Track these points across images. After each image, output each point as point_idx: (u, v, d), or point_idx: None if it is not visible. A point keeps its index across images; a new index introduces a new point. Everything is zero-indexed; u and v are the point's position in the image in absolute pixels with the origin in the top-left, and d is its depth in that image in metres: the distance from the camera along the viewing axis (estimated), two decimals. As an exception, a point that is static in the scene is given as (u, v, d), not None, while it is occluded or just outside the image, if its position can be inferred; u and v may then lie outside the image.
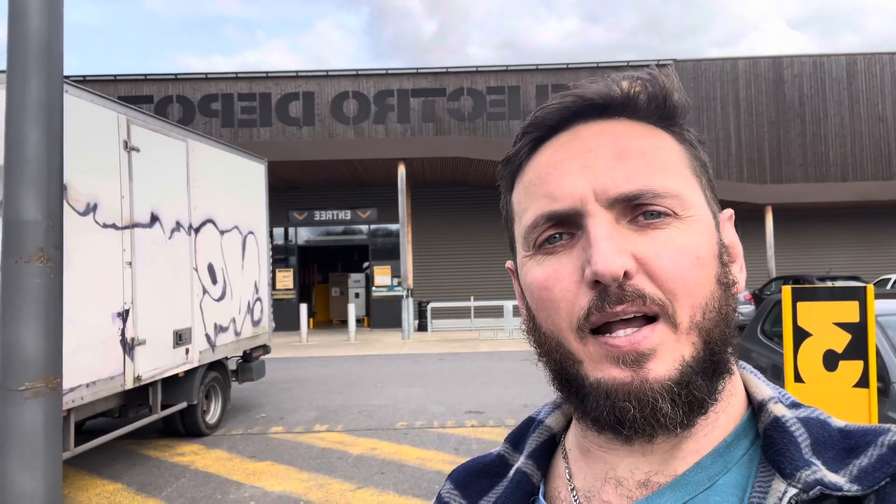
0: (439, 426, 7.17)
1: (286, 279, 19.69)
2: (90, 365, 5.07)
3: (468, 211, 19.68)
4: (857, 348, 2.53)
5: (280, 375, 10.62)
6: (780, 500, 0.46)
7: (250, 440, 6.89)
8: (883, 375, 3.59)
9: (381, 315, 19.31)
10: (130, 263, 5.62)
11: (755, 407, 0.54)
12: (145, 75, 19.75)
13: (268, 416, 7.89)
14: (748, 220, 18.41)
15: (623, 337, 0.49)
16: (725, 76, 20.31)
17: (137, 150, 5.81)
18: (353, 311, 16.47)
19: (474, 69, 19.94)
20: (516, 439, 0.65)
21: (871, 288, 2.60)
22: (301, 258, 20.52)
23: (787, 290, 2.54)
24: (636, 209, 0.51)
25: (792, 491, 0.46)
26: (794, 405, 0.53)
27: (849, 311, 2.55)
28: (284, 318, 17.93)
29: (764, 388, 0.55)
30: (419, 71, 19.90)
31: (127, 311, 5.54)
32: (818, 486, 0.46)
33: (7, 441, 1.86)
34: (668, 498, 0.51)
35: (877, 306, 3.69)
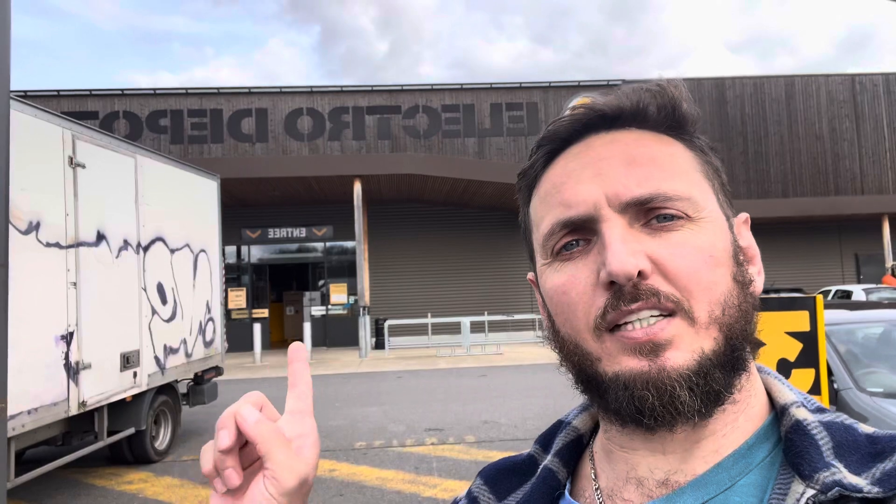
0: (399, 445, 7.08)
1: (239, 298, 19.23)
2: (32, 390, 4.82)
3: (425, 228, 19.68)
4: (808, 357, 2.61)
5: (233, 398, 10.20)
6: (798, 500, 0.46)
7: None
8: (831, 383, 3.72)
9: (338, 333, 19.04)
10: (75, 284, 5.39)
11: (778, 411, 0.54)
12: (90, 90, 19.17)
13: (221, 440, 7.64)
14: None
15: (639, 329, 0.50)
16: (685, 85, 20.98)
17: (83, 167, 5.61)
18: (308, 330, 16.19)
19: (429, 87, 20.07)
20: (545, 440, 0.66)
21: (820, 298, 2.68)
22: (254, 277, 20.11)
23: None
24: (649, 213, 0.52)
25: (810, 492, 0.46)
26: (819, 410, 0.53)
27: (800, 320, 2.63)
28: (237, 339, 17.50)
29: (787, 393, 0.55)
30: (374, 88, 19.91)
31: (71, 334, 5.30)
32: (837, 488, 0.46)
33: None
34: (688, 497, 0.51)
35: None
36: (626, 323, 0.50)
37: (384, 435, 7.55)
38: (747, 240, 0.58)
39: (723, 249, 0.53)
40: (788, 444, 0.50)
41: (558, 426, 0.66)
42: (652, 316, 0.50)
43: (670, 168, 0.54)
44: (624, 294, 0.49)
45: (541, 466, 0.62)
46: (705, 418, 0.50)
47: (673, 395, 0.48)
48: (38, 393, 4.88)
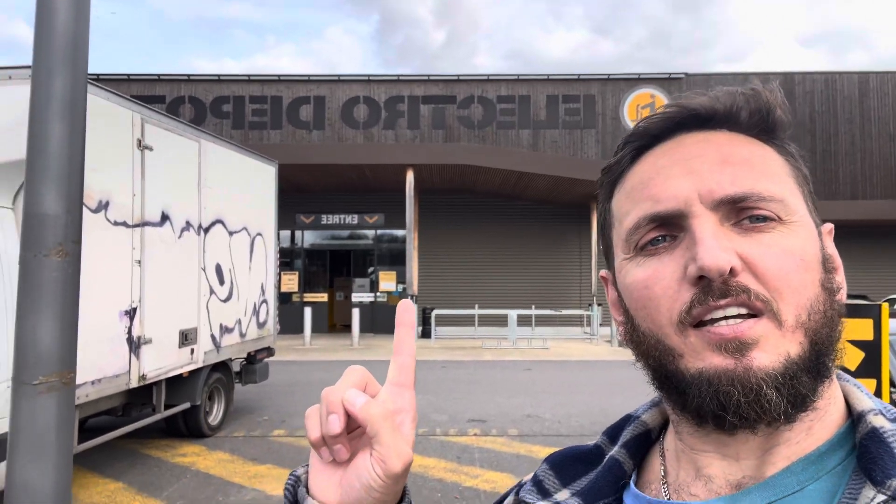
0: (441, 434, 7.14)
1: (291, 282, 19.70)
2: (96, 362, 5.07)
3: (475, 219, 19.68)
4: (870, 366, 2.51)
5: (283, 378, 10.61)
6: None
7: (252, 442, 6.88)
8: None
9: (385, 321, 19.29)
10: (139, 262, 5.63)
11: (854, 418, 0.53)
12: (158, 75, 19.88)
13: (270, 419, 7.87)
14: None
15: (726, 325, 0.49)
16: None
17: (150, 149, 5.83)
18: (356, 316, 16.46)
19: (485, 77, 19.99)
20: (613, 433, 0.66)
21: (885, 306, 2.57)
22: (307, 261, 20.55)
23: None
24: (741, 213, 0.52)
25: (880, 497, 0.46)
26: None
27: (863, 328, 2.53)
28: (288, 321, 17.94)
29: (865, 400, 0.54)
30: (430, 78, 19.96)
31: (134, 310, 5.55)
32: None
33: (19, 435, 1.85)
34: (755, 496, 0.51)
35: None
36: (711, 320, 0.50)
37: (427, 423, 7.63)
38: (831, 249, 0.57)
39: (813, 254, 0.52)
40: (862, 450, 0.49)
41: (627, 420, 0.66)
42: (739, 314, 0.49)
43: (764, 169, 0.54)
44: (713, 290, 0.49)
45: (607, 456, 0.63)
46: (787, 423, 0.50)
47: (759, 393, 0.48)
48: (101, 365, 5.13)
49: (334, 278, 21.77)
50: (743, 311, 0.49)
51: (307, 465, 0.57)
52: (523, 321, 17.66)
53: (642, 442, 0.63)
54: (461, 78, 19.91)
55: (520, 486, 0.69)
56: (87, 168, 4.86)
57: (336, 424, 0.52)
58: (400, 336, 0.58)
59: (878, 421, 0.51)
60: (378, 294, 19.71)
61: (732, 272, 0.49)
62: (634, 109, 19.80)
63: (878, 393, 2.55)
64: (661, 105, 0.59)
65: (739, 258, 0.50)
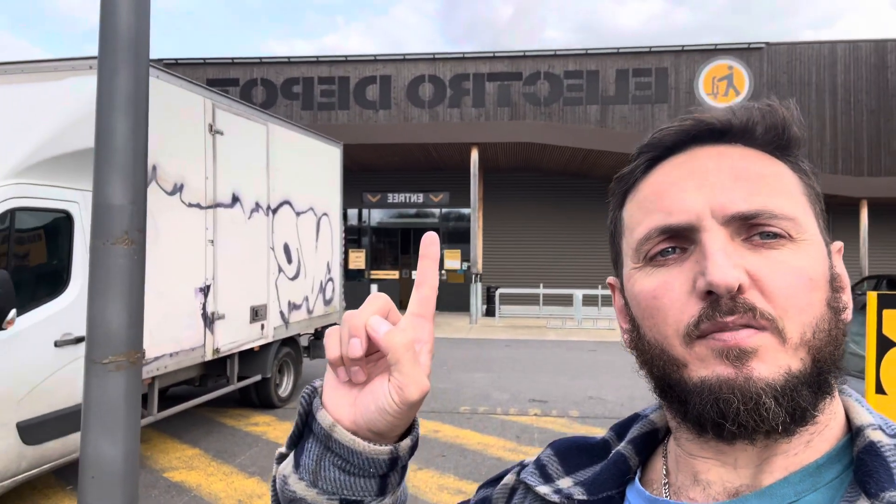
0: (502, 413, 7.20)
1: (358, 260, 20.15)
2: (174, 336, 5.38)
3: (540, 197, 19.47)
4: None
5: (350, 353, 10.91)
6: None
7: (319, 415, 7.14)
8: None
9: (450, 298, 19.47)
10: (213, 241, 5.90)
11: (853, 432, 0.53)
12: (232, 59, 20.52)
13: (336, 393, 8.14)
14: (841, 214, 17.34)
15: (728, 333, 0.50)
16: (822, 60, 19.06)
17: (221, 133, 6.07)
18: (422, 293, 16.65)
19: (552, 53, 19.58)
20: (621, 430, 0.68)
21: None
22: (373, 239, 20.94)
23: (871, 297, 2.39)
24: (752, 229, 0.52)
25: None
26: None
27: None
28: (356, 298, 18.35)
29: (865, 415, 0.54)
30: (495, 55, 19.73)
31: (208, 287, 5.83)
32: None
33: (91, 409, 2.03)
34: (752, 503, 0.52)
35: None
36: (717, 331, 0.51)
37: (489, 401, 7.71)
38: (840, 269, 0.57)
39: (821, 273, 0.52)
40: (859, 464, 0.50)
41: (635, 419, 0.67)
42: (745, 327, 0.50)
43: (777, 186, 0.54)
44: (720, 306, 0.50)
45: (613, 450, 0.64)
46: (786, 435, 0.50)
47: (758, 402, 0.48)
48: (179, 338, 5.44)
49: (400, 256, 22.11)
50: (748, 327, 0.50)
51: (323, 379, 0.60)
52: (589, 301, 17.43)
53: (649, 440, 0.64)
54: (527, 54, 19.58)
55: (521, 465, 0.70)
56: (163, 153, 5.14)
57: (358, 348, 0.54)
58: (423, 268, 0.59)
59: (876, 435, 0.51)
60: (443, 272, 19.90)
61: (740, 289, 0.49)
62: (710, 82, 18.94)
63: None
64: (677, 117, 0.59)
65: (748, 275, 0.50)
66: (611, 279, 0.65)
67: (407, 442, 0.58)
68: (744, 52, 18.96)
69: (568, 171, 19.03)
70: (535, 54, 19.57)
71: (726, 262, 0.49)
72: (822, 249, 0.54)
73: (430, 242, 0.59)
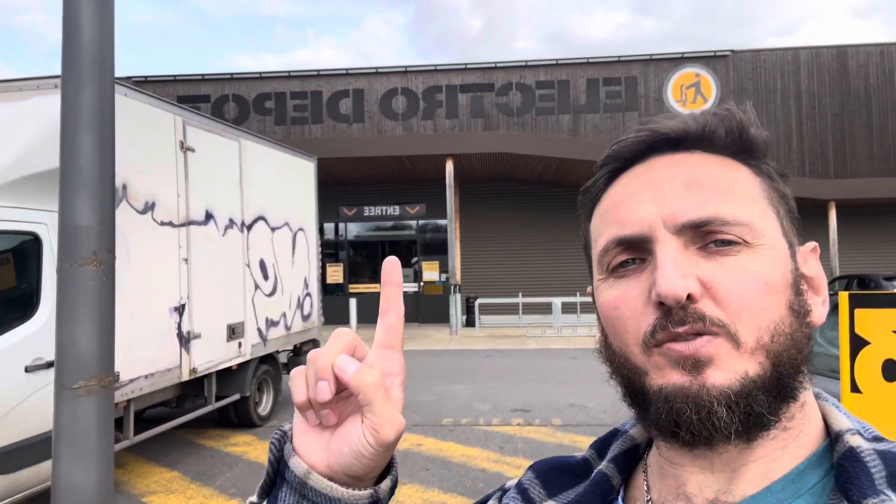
0: (485, 423, 7.18)
1: (336, 274, 20.02)
2: (149, 357, 5.27)
3: (517, 206, 19.57)
4: (920, 357, 2.40)
5: (329, 369, 10.80)
6: None
7: (300, 432, 7.04)
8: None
9: (429, 310, 19.42)
10: (186, 260, 5.81)
11: (832, 438, 0.53)
12: (203, 75, 20.36)
13: (317, 410, 8.04)
14: (809, 216, 17.71)
15: (683, 343, 0.50)
16: (786, 67, 19.52)
17: (193, 150, 6.00)
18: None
19: (523, 63, 19.78)
20: (601, 447, 0.67)
21: (936, 294, 2.46)
22: (351, 253, 20.84)
23: (843, 297, 2.43)
24: (706, 237, 0.52)
25: None
26: (877, 439, 0.52)
27: (911, 317, 2.42)
28: (334, 313, 18.25)
29: (843, 420, 0.54)
30: (467, 66, 19.87)
31: (183, 306, 5.74)
32: None
33: (62, 436, 1.96)
34: None
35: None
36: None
37: (471, 413, 7.68)
38: (814, 270, 0.57)
39: (780, 277, 0.52)
40: (840, 470, 0.50)
41: (615, 434, 0.67)
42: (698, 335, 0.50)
43: (731, 192, 0.53)
44: (672, 316, 0.50)
45: (595, 470, 0.63)
46: (746, 440, 0.50)
47: (710, 411, 0.48)
48: (154, 359, 5.33)
49: (378, 268, 22.00)
50: (702, 340, 0.50)
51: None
52: (568, 308, 17.52)
53: (630, 457, 0.63)
54: (499, 65, 19.75)
55: (503, 490, 0.69)
56: (133, 171, 5.06)
57: (326, 391, 0.51)
58: (387, 295, 0.57)
59: (855, 441, 0.51)
60: (422, 284, 19.85)
61: (691, 298, 0.50)
62: (679, 90, 19.28)
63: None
64: (634, 128, 0.59)
65: (700, 283, 0.50)
66: (589, 288, 0.65)
67: (387, 483, 0.56)
68: (710, 60, 19.34)
69: (543, 181, 19.17)
70: (506, 65, 19.75)
71: (675, 273, 0.50)
72: (783, 252, 0.54)
73: (391, 268, 0.57)
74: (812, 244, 0.59)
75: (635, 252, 0.55)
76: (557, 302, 16.36)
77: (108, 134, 2.22)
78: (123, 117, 4.77)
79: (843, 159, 19.35)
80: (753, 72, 19.48)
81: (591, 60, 19.64)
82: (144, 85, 19.07)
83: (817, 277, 0.57)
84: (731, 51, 19.48)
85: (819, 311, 0.55)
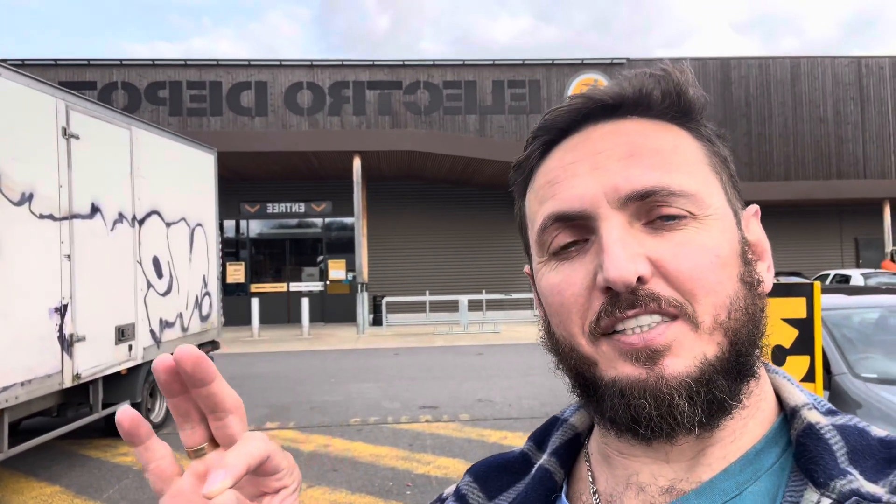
0: (393, 422, 7.11)
1: (238, 273, 19.25)
2: (25, 362, 4.82)
3: (424, 205, 19.61)
4: (803, 344, 2.58)
5: (230, 372, 10.36)
6: None
7: (198, 439, 6.68)
8: (826, 368, 3.70)
9: (336, 309, 19.09)
10: (69, 256, 5.36)
11: (787, 413, 0.51)
12: (88, 60, 18.95)
13: (217, 414, 7.67)
14: (697, 216, 18.89)
15: (636, 335, 0.47)
16: (691, 69, 20.74)
17: (77, 138, 5.54)
18: (306, 305, 16.22)
19: (431, 63, 19.85)
20: (540, 438, 0.63)
21: (817, 285, 2.65)
22: (253, 251, 20.11)
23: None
24: (651, 212, 0.49)
25: (826, 501, 0.44)
26: (831, 412, 0.50)
27: (796, 307, 2.60)
28: (236, 313, 17.54)
29: (797, 394, 0.52)
30: (375, 63, 19.69)
31: (65, 306, 5.29)
32: (854, 497, 0.43)
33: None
34: None
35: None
36: (624, 329, 0.47)
37: (379, 411, 7.59)
38: (756, 234, 0.54)
39: (730, 248, 0.49)
40: (800, 448, 0.47)
41: (554, 423, 0.63)
42: (654, 322, 0.47)
43: (674, 160, 0.50)
44: (620, 300, 0.47)
45: (536, 465, 0.59)
46: (708, 429, 0.47)
47: (671, 404, 0.45)
48: (31, 365, 4.88)
49: (282, 268, 21.39)
50: (657, 318, 0.47)
51: None
52: (474, 306, 17.76)
53: (572, 448, 0.60)
54: (407, 63, 19.71)
55: (440, 500, 0.64)
56: (7, 158, 4.60)
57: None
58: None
59: (812, 416, 0.49)
60: (328, 282, 19.48)
61: (641, 280, 0.46)
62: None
63: (811, 369, 2.64)
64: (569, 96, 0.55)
65: (650, 262, 0.47)
66: (527, 268, 0.61)
67: None
68: (608, 67, 20.23)
69: (450, 179, 19.32)
70: (414, 64, 19.74)
71: (623, 254, 0.46)
72: (730, 221, 0.51)
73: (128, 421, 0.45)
74: (754, 207, 0.56)
75: (578, 231, 0.50)
76: (464, 300, 16.55)
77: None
78: (-5, 98, 4.34)
79: (726, 164, 20.84)
80: (647, 80, 20.55)
81: (496, 63, 20.01)
82: (22, 68, 17.49)
83: (761, 242, 0.55)
84: (627, 59, 20.46)
85: (767, 278, 0.53)
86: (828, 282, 16.00)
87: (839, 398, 3.61)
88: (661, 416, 0.46)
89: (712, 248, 0.48)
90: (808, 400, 0.51)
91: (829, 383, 3.73)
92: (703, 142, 0.54)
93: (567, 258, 0.51)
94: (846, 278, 15.70)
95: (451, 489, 0.64)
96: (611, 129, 0.52)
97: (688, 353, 0.46)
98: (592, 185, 0.49)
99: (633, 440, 0.50)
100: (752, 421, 0.50)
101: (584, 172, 0.50)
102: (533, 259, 0.56)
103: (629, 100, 0.52)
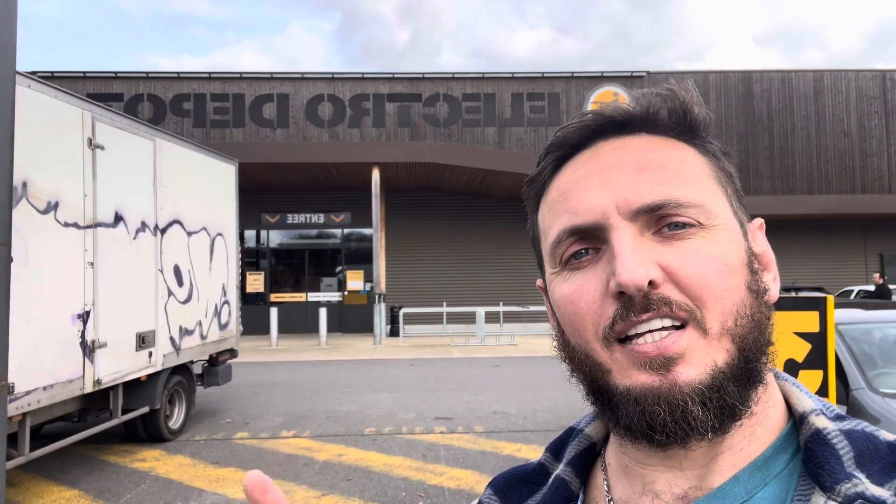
0: (408, 432, 7.12)
1: (257, 282, 19.44)
2: (48, 367, 4.92)
3: (442, 217, 19.66)
4: (817, 358, 2.57)
5: (247, 380, 10.45)
6: None
7: (214, 446, 6.75)
8: (844, 383, 3.65)
9: (353, 319, 19.17)
10: (92, 264, 5.48)
11: (796, 419, 0.53)
12: (115, 73, 19.37)
13: (233, 422, 7.75)
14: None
15: (650, 343, 0.48)
16: (697, 88, 20.62)
17: (102, 148, 5.67)
18: (324, 315, 16.32)
19: (450, 75, 19.97)
20: (557, 448, 0.65)
21: (830, 298, 2.63)
22: (273, 261, 20.30)
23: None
24: (660, 221, 0.51)
25: None
26: (839, 417, 0.52)
27: (809, 321, 2.58)
28: (255, 322, 17.69)
29: (806, 400, 0.53)
30: (395, 76, 19.86)
31: (88, 313, 5.39)
32: (859, 500, 0.45)
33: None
34: None
35: (838, 315, 3.76)
36: (636, 335, 0.49)
37: (394, 422, 7.60)
38: (762, 246, 0.56)
39: (737, 258, 0.51)
40: (808, 453, 0.49)
41: (570, 433, 0.64)
42: (664, 327, 0.48)
43: (682, 174, 0.53)
44: (634, 304, 0.48)
45: (553, 476, 0.61)
46: (720, 434, 0.49)
47: (685, 410, 0.47)
48: (53, 370, 4.98)
49: (301, 278, 21.55)
50: (667, 322, 0.48)
51: None
52: (491, 318, 17.72)
53: (588, 457, 0.61)
54: (426, 76, 19.85)
55: None
56: (35, 168, 4.73)
57: None
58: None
59: (820, 422, 0.50)
60: (346, 293, 19.58)
61: (653, 284, 0.48)
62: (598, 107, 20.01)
63: (824, 383, 2.61)
64: (579, 112, 0.58)
65: (660, 268, 0.49)
66: (539, 282, 0.63)
67: None
68: (627, 80, 20.18)
69: (468, 191, 19.36)
70: (433, 76, 19.88)
71: (634, 260, 0.48)
72: (737, 232, 0.53)
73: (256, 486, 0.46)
74: (759, 220, 0.58)
75: (589, 242, 0.53)
76: (481, 311, 16.52)
77: (6, 122, 2.04)
78: (25, 111, 4.47)
79: (747, 178, 20.61)
80: (667, 93, 20.46)
81: (515, 75, 20.07)
82: (51, 80, 17.93)
83: (766, 253, 0.56)
84: (647, 72, 20.41)
85: (773, 288, 0.55)
86: (852, 297, 15.72)
87: (857, 413, 3.56)
88: (676, 422, 0.47)
89: (720, 256, 0.50)
90: (817, 406, 0.52)
91: (847, 398, 3.68)
92: (709, 157, 0.56)
93: (579, 268, 0.53)
94: (870, 293, 15.38)
95: (473, 503, 0.67)
96: (620, 145, 0.55)
97: (699, 360, 0.48)
98: (604, 197, 0.52)
99: (649, 447, 0.51)
100: (759, 428, 0.52)
101: (596, 186, 0.53)
102: (546, 271, 0.58)
103: (637, 117, 0.56)
